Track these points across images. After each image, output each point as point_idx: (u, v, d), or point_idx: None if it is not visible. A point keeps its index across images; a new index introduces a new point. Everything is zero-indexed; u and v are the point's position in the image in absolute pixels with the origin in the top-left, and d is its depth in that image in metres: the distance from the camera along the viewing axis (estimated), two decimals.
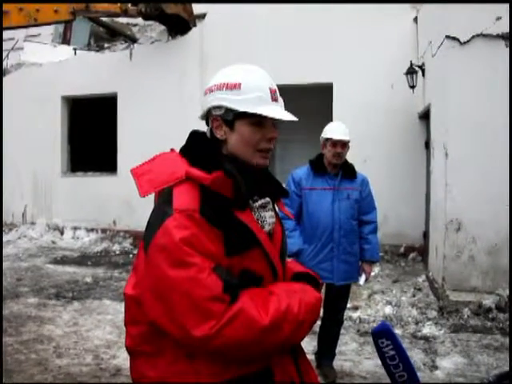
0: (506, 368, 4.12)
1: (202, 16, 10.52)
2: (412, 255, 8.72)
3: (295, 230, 3.94)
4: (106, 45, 12.97)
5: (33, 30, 12.52)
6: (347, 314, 5.22)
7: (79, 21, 10.64)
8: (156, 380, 1.42)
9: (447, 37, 5.95)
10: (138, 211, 9.39)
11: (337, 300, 4.08)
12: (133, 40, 12.15)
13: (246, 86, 1.47)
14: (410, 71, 7.90)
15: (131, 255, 9.51)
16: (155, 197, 1.52)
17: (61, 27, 13.08)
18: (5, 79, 12.53)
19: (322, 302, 4.09)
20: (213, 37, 10.08)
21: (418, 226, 8.65)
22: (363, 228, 4.02)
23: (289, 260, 1.69)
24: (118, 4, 9.62)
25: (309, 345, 4.56)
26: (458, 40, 5.88)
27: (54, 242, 10.83)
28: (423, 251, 8.43)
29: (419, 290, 6.63)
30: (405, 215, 8.78)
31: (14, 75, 12.48)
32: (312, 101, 10.43)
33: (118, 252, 9.90)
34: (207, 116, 1.54)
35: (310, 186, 3.93)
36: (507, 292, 5.50)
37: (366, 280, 4.22)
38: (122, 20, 12.20)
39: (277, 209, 1.66)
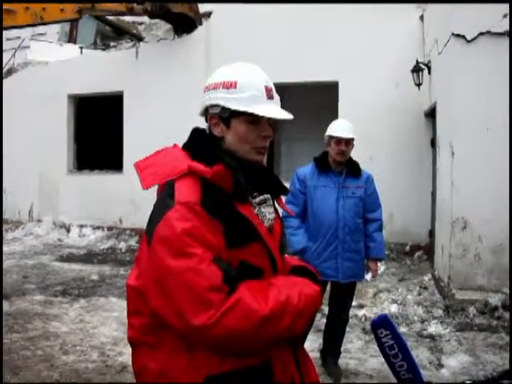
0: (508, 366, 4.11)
1: (208, 14, 10.53)
2: (418, 254, 8.70)
3: (300, 228, 3.94)
4: (112, 43, 13.00)
5: (39, 29, 12.59)
6: (353, 312, 5.22)
7: (85, 19, 10.69)
8: (157, 372, 1.44)
9: (453, 34, 5.93)
10: (144, 209, 9.36)
11: (342, 298, 4.09)
12: (139, 38, 12.18)
13: (242, 85, 1.50)
14: (416, 69, 7.88)
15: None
16: (158, 191, 1.55)
17: (67, 26, 13.15)
18: (11, 78, 12.62)
19: (330, 300, 4.09)
20: (218, 35, 10.09)
21: (423, 225, 8.63)
22: (368, 226, 4.02)
23: (286, 256, 1.71)
24: (124, 3, 9.63)
25: (314, 342, 4.57)
26: (464, 38, 5.85)
27: (60, 240, 10.88)
28: (429, 250, 8.41)
29: (425, 288, 6.63)
30: (411, 213, 8.76)
31: (21, 74, 12.55)
32: (317, 99, 10.44)
33: (123, 250, 9.93)
34: (205, 113, 1.58)
35: (314, 183, 3.93)
36: None
37: (374, 277, 4.23)
38: (128, 19, 12.22)
39: (277, 206, 1.68)
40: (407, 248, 8.85)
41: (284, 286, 1.45)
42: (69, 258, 9.13)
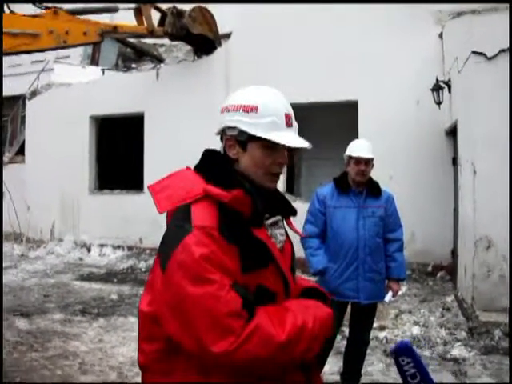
0: None
1: (227, 35, 10.66)
2: (440, 274, 8.53)
3: (320, 249, 3.91)
4: (133, 65, 13.23)
5: (63, 52, 12.85)
6: (374, 333, 5.13)
7: (107, 42, 10.89)
8: None
9: (473, 52, 5.89)
10: (164, 229, 9.41)
11: (363, 319, 4.02)
12: (160, 60, 12.37)
13: (262, 110, 1.49)
14: (436, 87, 7.83)
15: None
16: (168, 213, 1.54)
17: (89, 48, 13.40)
18: (35, 99, 12.90)
19: (350, 321, 4.01)
20: (238, 56, 10.19)
21: (446, 244, 8.48)
22: (389, 246, 3.96)
23: (298, 276, 1.71)
24: (145, 25, 9.81)
25: (335, 365, 4.49)
26: (484, 55, 5.81)
27: (80, 259, 10.97)
28: (452, 270, 8.24)
29: (448, 309, 6.48)
30: (433, 233, 8.63)
31: (45, 95, 12.81)
32: (337, 118, 10.43)
33: (143, 269, 9.95)
34: (221, 134, 1.58)
35: (334, 203, 3.90)
36: None
37: (394, 297, 4.15)
38: (149, 41, 12.44)
39: (286, 226, 1.68)
40: (429, 268, 8.69)
41: (298, 310, 1.45)
42: (89, 278, 9.18)
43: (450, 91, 7.69)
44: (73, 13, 8.86)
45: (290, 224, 1.69)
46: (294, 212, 1.67)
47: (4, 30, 7.68)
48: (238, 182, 1.46)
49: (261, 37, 9.87)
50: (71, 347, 5.32)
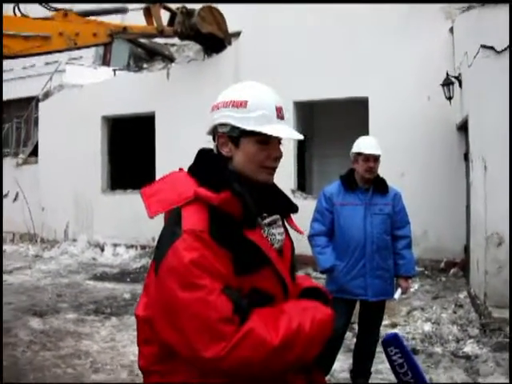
0: None
1: (237, 34, 10.68)
2: (453, 270, 8.46)
3: (327, 247, 3.91)
4: (144, 65, 13.30)
5: (75, 53, 12.96)
6: (385, 330, 5.08)
7: (118, 42, 10.97)
8: None
9: (482, 46, 5.83)
10: None
11: (372, 317, 4.01)
12: (171, 59, 12.42)
13: (252, 104, 1.47)
14: (447, 82, 7.77)
15: None
16: (165, 216, 1.53)
17: (101, 49, 13.50)
18: (48, 101, 13.03)
19: (359, 318, 4.00)
20: (247, 54, 10.20)
21: (458, 240, 8.40)
22: (397, 243, 3.94)
23: (299, 275, 1.69)
24: (155, 25, 9.86)
25: (344, 363, 4.48)
26: (493, 49, 5.75)
27: (94, 259, 11.07)
28: (464, 266, 8.17)
29: (460, 306, 6.43)
30: (445, 229, 8.56)
31: (57, 96, 12.94)
32: (348, 115, 10.39)
33: None
34: (214, 132, 1.56)
35: (341, 201, 3.89)
36: None
37: (403, 294, 4.13)
38: (160, 40, 12.50)
39: (287, 225, 1.65)
40: (442, 264, 8.62)
41: (295, 312, 1.41)
42: (102, 277, 9.26)
43: (460, 86, 7.62)
44: (82, 14, 8.94)
45: (290, 222, 1.65)
46: (294, 209, 1.63)
47: (15, 33, 7.78)
48: (227, 182, 1.43)
49: (270, 35, 9.87)
50: (83, 346, 5.37)
